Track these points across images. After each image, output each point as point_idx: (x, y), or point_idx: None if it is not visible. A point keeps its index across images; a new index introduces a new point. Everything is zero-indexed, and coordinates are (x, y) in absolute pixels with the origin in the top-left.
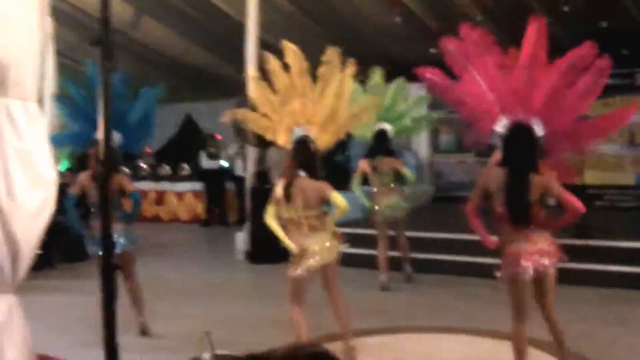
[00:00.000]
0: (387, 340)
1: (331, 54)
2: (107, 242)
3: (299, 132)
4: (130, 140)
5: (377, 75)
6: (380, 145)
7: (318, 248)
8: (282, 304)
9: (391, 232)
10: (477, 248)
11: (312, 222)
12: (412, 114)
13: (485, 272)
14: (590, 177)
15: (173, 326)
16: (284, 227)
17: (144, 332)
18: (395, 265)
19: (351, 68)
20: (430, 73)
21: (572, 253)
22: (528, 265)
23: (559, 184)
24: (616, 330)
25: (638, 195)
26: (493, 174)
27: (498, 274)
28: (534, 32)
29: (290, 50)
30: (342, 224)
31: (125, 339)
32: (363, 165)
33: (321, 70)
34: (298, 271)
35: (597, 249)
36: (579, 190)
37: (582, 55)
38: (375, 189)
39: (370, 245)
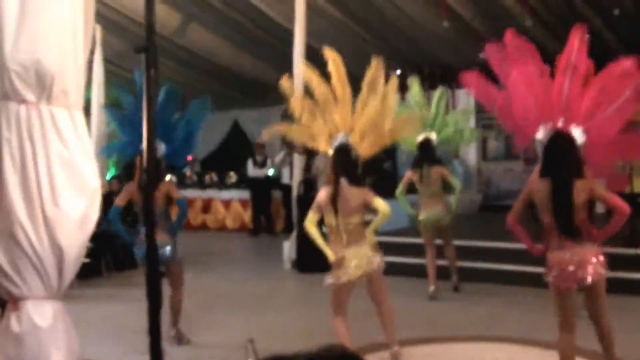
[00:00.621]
0: (434, 349)
1: (376, 63)
2: (152, 251)
3: (339, 139)
4: (175, 153)
5: (415, 85)
6: (426, 154)
7: (357, 259)
8: (328, 313)
9: (439, 241)
10: (525, 257)
11: (353, 231)
12: (456, 123)
13: (534, 280)
14: None
15: (220, 335)
16: (327, 235)
17: (181, 340)
18: (443, 274)
19: (395, 81)
20: (472, 78)
21: (623, 262)
22: (570, 276)
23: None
24: None
25: None
26: (538, 185)
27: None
28: (576, 39)
29: (331, 57)
30: (390, 232)
31: (174, 348)
32: (409, 174)
33: (366, 79)
34: (335, 280)
35: None
36: (628, 199)
37: (626, 69)
38: (421, 198)
39: (418, 254)
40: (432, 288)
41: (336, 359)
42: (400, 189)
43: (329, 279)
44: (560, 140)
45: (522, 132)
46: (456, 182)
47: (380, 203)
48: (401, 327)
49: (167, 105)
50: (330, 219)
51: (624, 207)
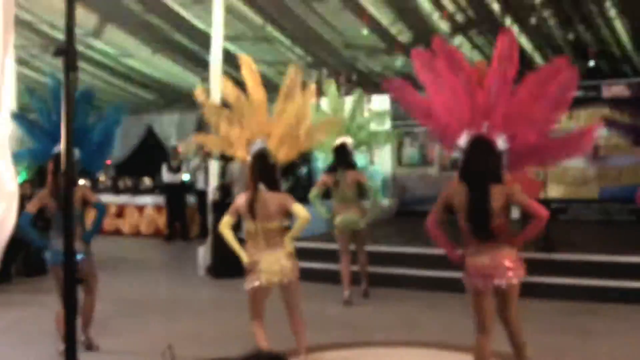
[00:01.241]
0: (349, 354)
1: (294, 69)
2: (70, 256)
3: (257, 145)
4: (91, 157)
5: (332, 88)
6: (341, 158)
7: (267, 264)
8: (243, 318)
9: (353, 247)
10: (440, 262)
11: (272, 236)
12: (372, 127)
13: (449, 285)
14: (554, 191)
15: (133, 341)
16: (245, 240)
17: (90, 346)
18: (358, 280)
19: (312, 87)
20: (396, 85)
21: (536, 267)
22: (486, 280)
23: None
24: (577, 341)
25: (601, 209)
26: (456, 189)
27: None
28: (503, 45)
29: (246, 63)
30: (305, 238)
31: (83, 354)
32: (324, 178)
33: (283, 85)
34: (249, 284)
35: (560, 263)
36: (543, 204)
37: (553, 71)
38: (336, 203)
39: (333, 259)
40: (346, 293)
41: None
42: (314, 192)
43: (247, 284)
44: (478, 146)
45: (446, 139)
46: (371, 187)
47: (299, 209)
48: (317, 332)
49: (81, 109)
50: (248, 224)
51: (543, 212)
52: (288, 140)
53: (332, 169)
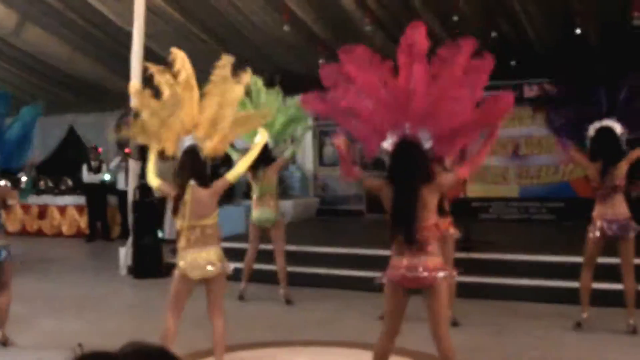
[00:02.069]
0: (264, 354)
1: (225, 60)
2: None
3: (187, 141)
4: (8, 158)
5: (258, 83)
6: (262, 154)
7: (200, 260)
8: (163, 317)
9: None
10: (360, 261)
11: (205, 232)
12: (289, 114)
13: (368, 285)
14: (475, 190)
15: (52, 340)
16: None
17: (5, 343)
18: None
19: (244, 77)
20: (311, 99)
21: (454, 265)
22: (404, 279)
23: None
24: (492, 340)
25: (522, 207)
26: (385, 190)
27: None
28: (410, 39)
29: (179, 57)
30: (228, 238)
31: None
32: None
33: (212, 77)
34: (177, 270)
35: (478, 262)
36: (463, 204)
37: (452, 53)
38: (255, 197)
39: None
40: (243, 286)
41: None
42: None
43: (175, 277)
44: (403, 148)
45: (371, 142)
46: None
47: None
48: (236, 331)
49: None
50: (180, 222)
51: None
52: (214, 131)
53: (253, 165)
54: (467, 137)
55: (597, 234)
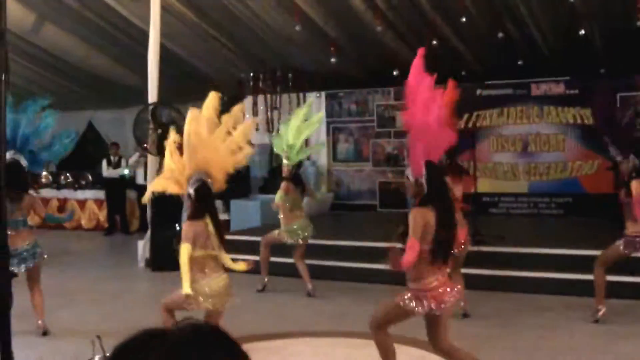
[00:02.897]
0: (276, 344)
1: (239, 108)
2: (4, 250)
3: (199, 176)
4: (31, 161)
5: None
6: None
7: (219, 289)
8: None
9: None
10: (374, 254)
11: (214, 261)
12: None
13: (379, 277)
14: (485, 185)
15: (73, 333)
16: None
17: (45, 333)
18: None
19: (248, 125)
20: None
21: (467, 259)
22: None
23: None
24: (502, 332)
25: (530, 203)
26: (429, 219)
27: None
28: (415, 65)
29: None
30: (245, 232)
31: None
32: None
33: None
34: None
35: (490, 255)
36: (473, 199)
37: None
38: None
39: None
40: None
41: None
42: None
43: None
44: (438, 172)
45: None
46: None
47: None
48: (249, 322)
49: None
50: (199, 252)
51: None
52: (213, 168)
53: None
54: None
55: (627, 251)
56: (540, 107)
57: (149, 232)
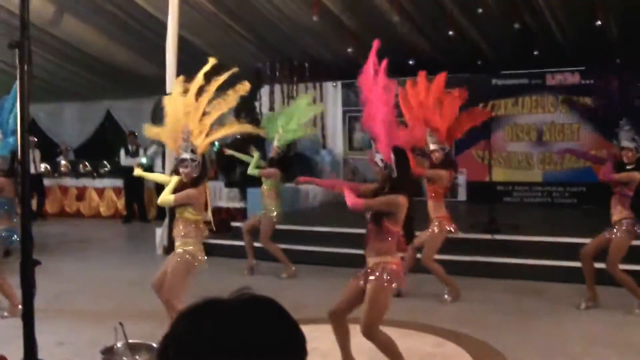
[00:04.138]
0: None
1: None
2: (27, 239)
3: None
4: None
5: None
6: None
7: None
8: (201, 295)
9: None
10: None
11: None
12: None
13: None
14: (499, 174)
15: (92, 320)
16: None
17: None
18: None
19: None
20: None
21: (480, 247)
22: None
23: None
24: (518, 321)
25: (544, 192)
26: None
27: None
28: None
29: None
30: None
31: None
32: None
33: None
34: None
35: (504, 243)
36: (487, 188)
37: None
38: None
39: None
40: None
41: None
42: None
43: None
44: (405, 158)
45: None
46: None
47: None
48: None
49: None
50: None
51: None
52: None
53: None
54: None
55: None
56: (555, 97)
57: (166, 220)
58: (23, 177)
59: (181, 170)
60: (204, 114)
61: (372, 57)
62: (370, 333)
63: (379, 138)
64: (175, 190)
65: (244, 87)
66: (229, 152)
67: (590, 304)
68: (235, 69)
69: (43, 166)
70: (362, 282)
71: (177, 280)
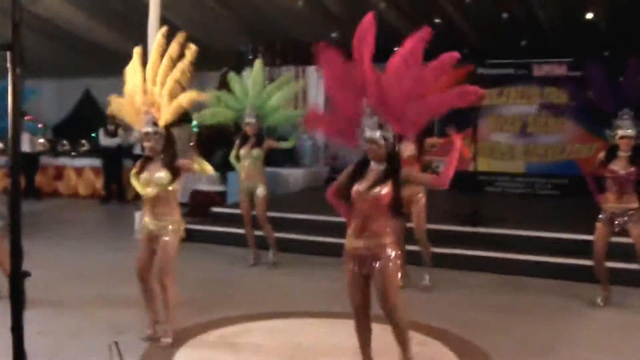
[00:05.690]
0: (275, 324)
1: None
2: (16, 250)
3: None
4: None
5: (257, 64)
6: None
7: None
8: (181, 283)
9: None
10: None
11: None
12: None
13: None
14: (483, 164)
15: (71, 306)
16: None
17: None
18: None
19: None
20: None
21: (462, 240)
22: None
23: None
24: (500, 317)
25: (527, 183)
26: None
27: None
28: (361, 28)
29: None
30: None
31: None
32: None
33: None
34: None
35: (486, 236)
36: (470, 177)
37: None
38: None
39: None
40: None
41: None
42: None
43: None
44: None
45: (348, 133)
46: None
47: None
48: (243, 302)
49: None
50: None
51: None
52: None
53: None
54: (425, 118)
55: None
56: (541, 88)
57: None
58: (13, 189)
59: (145, 144)
60: (162, 84)
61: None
62: (398, 312)
63: (396, 116)
64: (141, 168)
65: (192, 51)
66: (272, 144)
67: (605, 301)
68: (195, 48)
69: (41, 141)
70: (361, 269)
71: (172, 257)
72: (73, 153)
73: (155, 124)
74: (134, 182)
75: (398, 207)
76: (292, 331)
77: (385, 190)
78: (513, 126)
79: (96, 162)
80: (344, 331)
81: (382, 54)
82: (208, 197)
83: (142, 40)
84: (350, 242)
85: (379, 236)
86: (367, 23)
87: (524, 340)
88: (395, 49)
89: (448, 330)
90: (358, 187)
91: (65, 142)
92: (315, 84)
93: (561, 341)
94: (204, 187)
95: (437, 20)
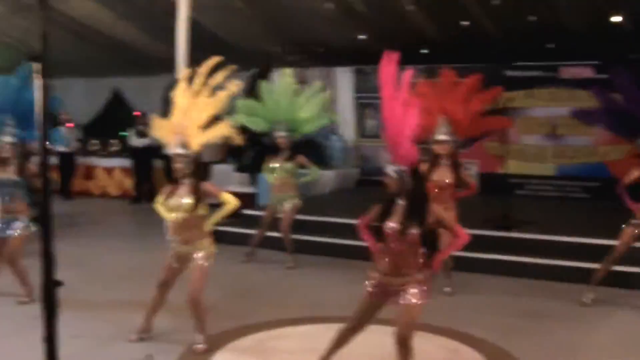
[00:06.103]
0: (306, 330)
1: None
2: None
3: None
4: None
5: (286, 76)
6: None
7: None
8: (213, 286)
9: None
10: None
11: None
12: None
13: None
14: (513, 167)
15: (103, 307)
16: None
17: None
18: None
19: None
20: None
21: (494, 244)
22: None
23: None
24: (530, 323)
25: (557, 185)
26: None
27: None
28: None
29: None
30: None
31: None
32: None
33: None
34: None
35: (519, 241)
36: (500, 179)
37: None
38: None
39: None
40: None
41: None
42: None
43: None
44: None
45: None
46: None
47: None
48: (273, 306)
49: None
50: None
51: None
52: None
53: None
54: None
55: None
56: (569, 91)
57: None
58: (45, 199)
59: (175, 165)
60: (200, 111)
61: (390, 70)
62: (409, 341)
63: (399, 152)
64: (169, 194)
65: (236, 86)
66: (304, 161)
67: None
68: (233, 67)
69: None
70: (384, 299)
71: (204, 279)
72: (103, 153)
73: (186, 146)
74: (159, 208)
75: (431, 244)
76: (324, 337)
77: (415, 229)
78: (542, 128)
79: (126, 162)
80: (374, 338)
81: (409, 56)
82: (238, 198)
83: (170, 40)
84: (383, 278)
85: (410, 274)
86: (389, 60)
87: (553, 346)
88: (421, 51)
89: (480, 337)
90: (392, 225)
91: (95, 141)
92: (343, 85)
93: (590, 346)
94: (235, 188)
95: (464, 23)
